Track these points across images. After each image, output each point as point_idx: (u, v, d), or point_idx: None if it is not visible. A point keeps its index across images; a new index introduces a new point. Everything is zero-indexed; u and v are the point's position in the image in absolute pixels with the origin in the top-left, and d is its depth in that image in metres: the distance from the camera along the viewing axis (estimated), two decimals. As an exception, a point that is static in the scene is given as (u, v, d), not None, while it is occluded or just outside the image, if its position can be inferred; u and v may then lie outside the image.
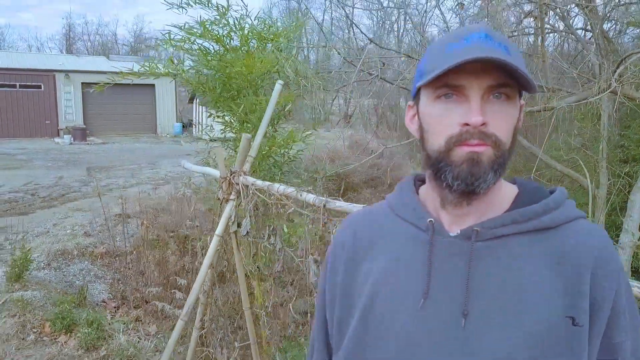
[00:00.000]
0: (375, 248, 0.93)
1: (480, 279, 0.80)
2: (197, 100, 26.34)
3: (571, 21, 7.63)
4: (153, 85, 26.64)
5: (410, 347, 0.82)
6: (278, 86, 2.34)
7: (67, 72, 24.93)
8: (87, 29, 60.67)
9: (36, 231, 7.60)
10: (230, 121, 3.72)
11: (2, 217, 8.73)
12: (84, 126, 23.35)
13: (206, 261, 2.23)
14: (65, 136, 22.32)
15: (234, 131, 3.77)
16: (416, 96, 0.90)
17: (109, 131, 25.68)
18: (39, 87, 24.59)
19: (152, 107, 27.01)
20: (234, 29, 3.32)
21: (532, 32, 7.41)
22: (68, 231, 7.50)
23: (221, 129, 3.98)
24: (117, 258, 6.52)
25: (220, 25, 3.33)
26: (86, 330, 3.68)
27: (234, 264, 2.40)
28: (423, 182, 0.95)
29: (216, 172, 2.40)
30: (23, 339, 3.75)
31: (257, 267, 2.32)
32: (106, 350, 3.55)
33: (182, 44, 3.44)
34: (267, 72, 3.25)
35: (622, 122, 7.04)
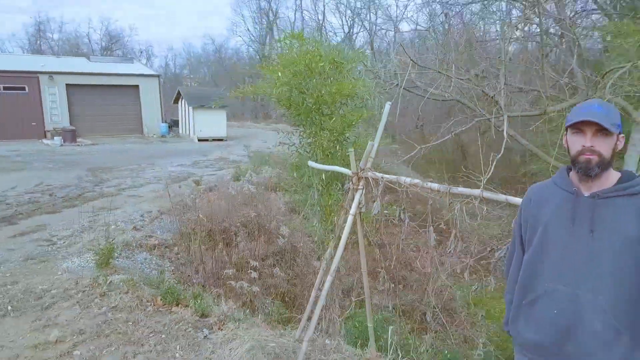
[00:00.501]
0: (547, 201, 1.89)
1: (598, 216, 1.76)
2: (184, 100, 26.77)
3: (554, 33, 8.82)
4: (137, 86, 26.91)
5: (566, 248, 1.79)
6: (387, 106, 3.28)
7: (50, 74, 24.91)
8: (49, 27, 59.23)
9: (74, 228, 8.19)
10: (315, 131, 4.59)
11: (35, 217, 9.30)
12: (73, 128, 23.47)
13: (346, 231, 3.14)
14: (55, 138, 22.42)
15: (310, 137, 4.65)
16: (566, 130, 1.86)
17: (95, 132, 25.82)
18: (23, 89, 24.51)
19: (137, 108, 27.25)
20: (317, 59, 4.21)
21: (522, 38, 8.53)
22: (113, 227, 8.17)
23: (301, 137, 4.83)
24: (167, 248, 7.29)
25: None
26: (197, 302, 4.52)
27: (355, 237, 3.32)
28: (570, 169, 1.92)
29: (347, 170, 3.31)
30: (144, 309, 4.56)
31: (380, 238, 3.25)
32: (217, 317, 4.40)
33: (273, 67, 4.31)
34: (350, 93, 4.17)
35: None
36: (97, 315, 4.40)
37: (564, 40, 8.06)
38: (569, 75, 7.99)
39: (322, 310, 3.26)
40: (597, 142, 1.75)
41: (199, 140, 24.89)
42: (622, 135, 1.83)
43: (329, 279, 3.19)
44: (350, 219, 3.18)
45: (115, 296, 4.74)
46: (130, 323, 4.28)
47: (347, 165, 3.44)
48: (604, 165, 1.77)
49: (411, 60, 6.81)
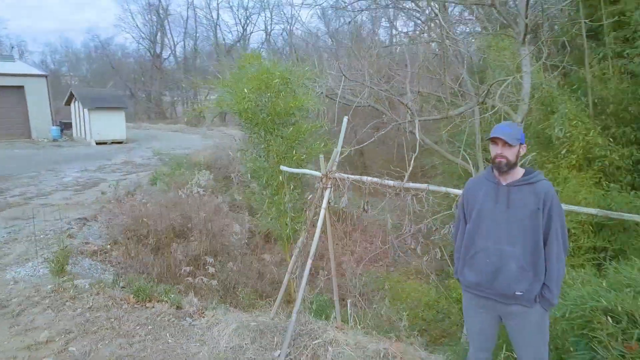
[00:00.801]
0: (480, 189, 2.88)
1: (512, 199, 2.78)
2: (78, 102, 25.27)
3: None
4: (22, 87, 24.84)
5: (493, 219, 2.79)
6: (345, 120, 4.13)
7: None
8: None
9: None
10: (269, 139, 5.29)
11: None
12: (-48, 133, 21.07)
13: (319, 223, 3.92)
14: None
15: (263, 144, 5.36)
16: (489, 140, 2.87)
17: (-26, 138, 23.40)
18: None
19: (23, 111, 25.11)
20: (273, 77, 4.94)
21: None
22: (42, 236, 8.03)
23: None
24: (107, 253, 7.45)
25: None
26: (170, 296, 5.00)
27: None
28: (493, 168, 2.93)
29: (317, 173, 4.09)
30: (120, 307, 4.92)
31: (345, 227, 4.09)
32: (192, 308, 4.93)
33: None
34: (300, 106, 4.96)
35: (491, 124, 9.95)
36: (75, 317, 4.68)
37: (457, 53, 9.60)
38: (460, 84, 9.53)
39: (303, 288, 4.01)
40: (505, 150, 2.75)
41: (97, 143, 23.77)
42: (523, 145, 2.86)
43: (309, 262, 3.95)
44: (322, 212, 3.98)
45: (87, 298, 5.03)
46: (113, 319, 4.65)
47: (302, 167, 4.22)
48: (510, 165, 2.78)
49: (342, 72, 7.76)
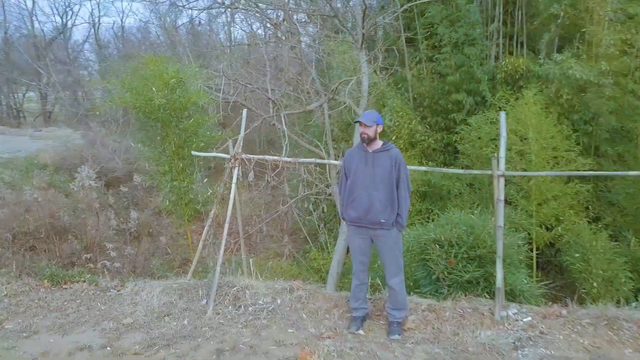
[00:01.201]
0: (355, 155, 4.30)
1: (376, 161, 4.25)
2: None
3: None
4: None
5: (364, 175, 4.23)
6: (245, 111, 5.22)
7: None
8: None
9: None
10: (167, 131, 6.03)
11: None
12: None
13: (232, 195, 4.93)
14: None
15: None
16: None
17: None
18: None
19: None
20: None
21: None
22: None
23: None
24: None
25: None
26: (86, 276, 5.47)
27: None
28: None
29: (226, 155, 5.07)
30: (39, 290, 5.25)
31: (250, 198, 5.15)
32: (109, 283, 5.50)
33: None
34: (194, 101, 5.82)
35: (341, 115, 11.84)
36: (-5, 304, 4.93)
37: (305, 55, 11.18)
38: (312, 82, 11.13)
39: (223, 247, 4.99)
40: (366, 129, 4.19)
41: None
42: (380, 125, 4.33)
43: (226, 228, 4.95)
44: (233, 187, 5.00)
45: (0, 287, 5.24)
46: (38, 300, 5.03)
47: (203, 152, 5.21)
48: (370, 139, 4.22)
49: (223, 74, 8.62)
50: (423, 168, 5.09)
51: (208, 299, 4.90)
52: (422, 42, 14.26)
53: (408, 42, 14.95)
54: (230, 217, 5.01)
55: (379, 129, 4.31)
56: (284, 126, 8.35)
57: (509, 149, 8.44)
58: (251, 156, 5.04)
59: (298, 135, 11.79)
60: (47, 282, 5.44)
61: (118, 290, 5.31)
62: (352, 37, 9.86)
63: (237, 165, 5.08)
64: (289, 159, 4.89)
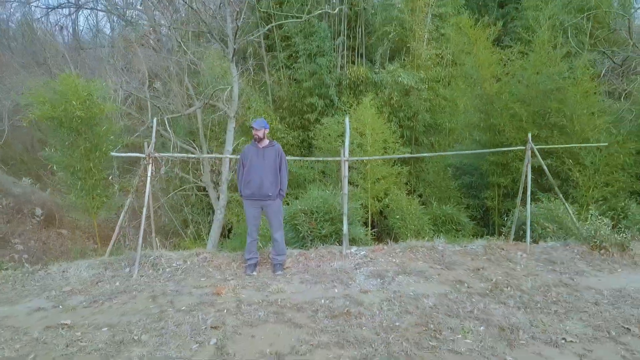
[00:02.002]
0: (250, 150, 6.09)
1: (265, 154, 6.09)
2: None
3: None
4: None
5: (257, 165, 6.07)
6: (155, 120, 6.60)
7: None
8: None
9: None
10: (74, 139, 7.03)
11: None
12: None
13: (147, 187, 6.30)
14: None
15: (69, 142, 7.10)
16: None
17: None
18: None
19: None
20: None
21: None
22: None
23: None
24: None
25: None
26: (8, 264, 6.32)
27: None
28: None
29: (142, 154, 6.37)
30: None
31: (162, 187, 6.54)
32: (32, 267, 6.42)
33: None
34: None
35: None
36: None
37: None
38: (185, 88, 12.45)
39: (143, 224, 6.31)
40: (257, 132, 6.01)
41: None
42: (267, 129, 6.17)
43: (144, 212, 6.29)
44: (148, 180, 6.37)
45: None
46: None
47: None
48: (261, 139, 6.06)
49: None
50: (293, 158, 7.05)
51: (131, 267, 6.25)
52: (281, 52, 16.38)
53: (268, 50, 16.97)
54: (146, 203, 6.40)
55: (266, 132, 6.15)
56: (169, 128, 9.62)
57: (351, 143, 10.91)
58: (163, 154, 6.47)
59: (178, 137, 13.02)
60: (-27, 271, 6.19)
61: (45, 272, 6.32)
62: (224, 51, 11.47)
63: (150, 162, 6.47)
64: (194, 156, 6.45)
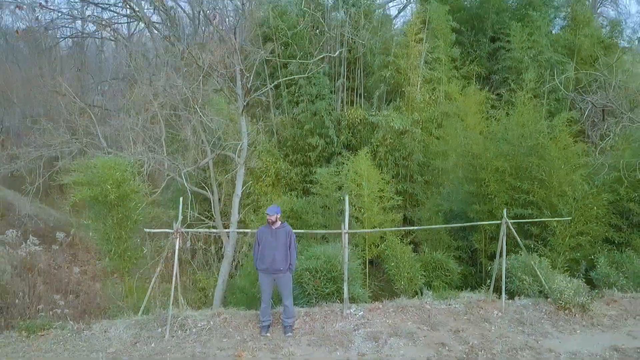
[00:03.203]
0: (264, 232, 7.19)
1: (277, 234, 7.19)
2: None
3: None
4: None
5: (270, 242, 7.17)
6: (181, 199, 7.68)
7: None
8: None
9: None
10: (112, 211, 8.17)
11: None
12: None
13: (176, 258, 7.35)
14: None
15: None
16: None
17: None
18: None
19: None
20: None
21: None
22: None
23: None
24: None
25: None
26: (58, 323, 7.37)
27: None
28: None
29: (170, 230, 7.43)
30: (22, 341, 7.03)
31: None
32: (75, 325, 7.47)
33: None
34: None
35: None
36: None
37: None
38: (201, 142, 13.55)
39: (173, 292, 7.39)
40: (271, 217, 7.11)
41: None
42: (279, 214, 7.26)
43: (173, 282, 7.37)
44: (176, 253, 7.44)
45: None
46: (27, 347, 6.89)
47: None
48: (274, 222, 7.15)
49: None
50: (298, 231, 8.13)
51: (163, 328, 7.31)
52: (285, 94, 17.51)
53: (275, 100, 18.14)
54: (176, 271, 7.49)
55: (279, 216, 7.25)
56: (185, 181, 10.72)
57: (349, 193, 12.03)
58: (188, 230, 7.56)
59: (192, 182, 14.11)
60: (25, 332, 7.25)
61: (90, 331, 7.38)
62: (235, 104, 12.63)
63: (177, 236, 7.56)
64: (216, 231, 7.53)
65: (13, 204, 20.25)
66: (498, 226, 12.32)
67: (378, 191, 12.28)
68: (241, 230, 9.92)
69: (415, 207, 16.42)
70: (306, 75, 15.01)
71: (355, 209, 11.95)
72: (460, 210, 12.97)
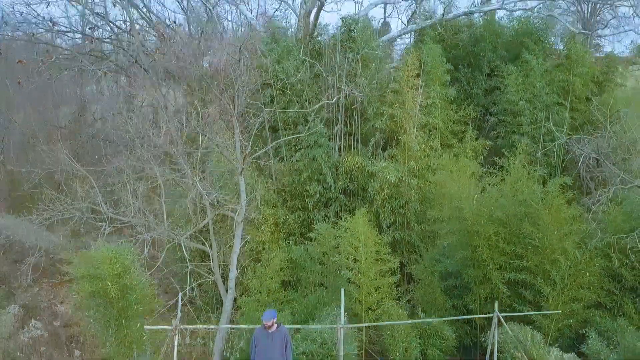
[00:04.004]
0: (261, 334, 7.43)
1: (274, 337, 7.43)
2: None
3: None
4: None
5: (265, 345, 7.40)
6: (180, 294, 7.89)
7: None
8: None
9: None
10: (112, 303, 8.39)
11: None
12: None
13: (174, 354, 7.55)
14: None
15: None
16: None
17: None
18: None
19: None
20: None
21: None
22: None
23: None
24: None
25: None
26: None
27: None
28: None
29: (169, 327, 7.64)
30: None
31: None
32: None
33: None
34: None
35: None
36: None
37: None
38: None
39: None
40: (267, 323, 7.39)
41: None
42: (274, 319, 7.50)
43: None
44: (175, 349, 7.63)
45: None
46: None
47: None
48: (270, 327, 7.41)
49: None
50: (294, 326, 8.35)
51: None
52: (284, 145, 17.73)
53: (272, 130, 18.31)
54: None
55: (274, 320, 7.50)
56: (185, 252, 10.94)
57: (346, 258, 12.26)
58: (188, 327, 7.75)
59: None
60: None
61: None
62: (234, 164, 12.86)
63: (176, 332, 7.76)
64: (213, 327, 7.72)
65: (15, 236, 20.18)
66: (492, 288, 12.63)
67: (375, 253, 12.47)
68: (235, 326, 10.17)
69: (412, 254, 16.68)
70: (305, 132, 15.29)
71: (353, 274, 12.13)
72: (456, 270, 13.18)
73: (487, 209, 12.14)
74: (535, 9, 19.12)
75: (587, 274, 11.65)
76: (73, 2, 18.41)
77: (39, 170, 15.89)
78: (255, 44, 14.01)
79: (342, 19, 19.61)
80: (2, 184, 24.93)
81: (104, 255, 8.66)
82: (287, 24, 27.28)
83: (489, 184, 13.05)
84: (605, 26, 33.50)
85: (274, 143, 16.05)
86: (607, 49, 27.66)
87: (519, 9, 19.75)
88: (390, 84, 17.82)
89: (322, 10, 20.82)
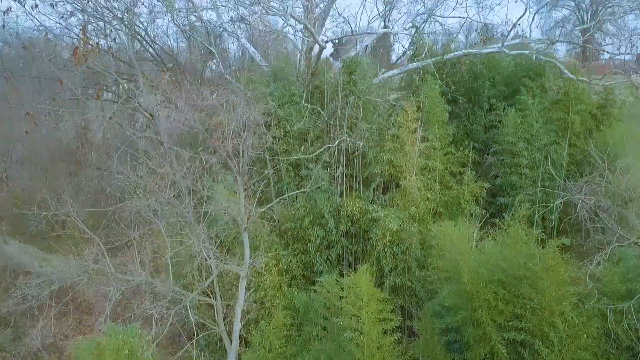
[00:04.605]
0: None
1: None
2: None
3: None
4: None
5: None
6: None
7: None
8: None
9: None
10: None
11: None
12: None
13: None
14: None
15: None
16: None
17: None
18: None
19: None
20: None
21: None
22: None
23: None
24: None
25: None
26: None
27: None
28: None
29: None
30: None
31: None
32: None
33: None
34: None
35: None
36: None
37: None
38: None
39: None
40: None
41: None
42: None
43: None
44: None
45: None
46: None
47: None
48: None
49: None
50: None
51: None
52: (286, 186, 18.00)
53: (275, 174, 18.61)
54: None
55: None
56: (191, 315, 11.19)
57: (349, 318, 12.49)
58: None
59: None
60: None
61: None
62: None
63: None
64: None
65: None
66: (492, 347, 12.89)
67: (379, 312, 12.71)
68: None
69: (413, 297, 16.97)
70: (309, 187, 15.61)
71: (355, 335, 12.35)
72: (456, 326, 13.42)
73: (487, 270, 12.39)
74: (534, 56, 19.38)
75: (585, 335, 11.89)
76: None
77: (43, 212, 16.08)
78: (259, 112, 14.29)
79: (343, 60, 19.96)
80: (6, 203, 25.09)
81: (112, 344, 8.86)
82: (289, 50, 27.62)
83: (488, 247, 13.31)
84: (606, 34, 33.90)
85: (278, 198, 16.31)
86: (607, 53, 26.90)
87: (518, 52, 20.01)
88: (389, 130, 18.08)
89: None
